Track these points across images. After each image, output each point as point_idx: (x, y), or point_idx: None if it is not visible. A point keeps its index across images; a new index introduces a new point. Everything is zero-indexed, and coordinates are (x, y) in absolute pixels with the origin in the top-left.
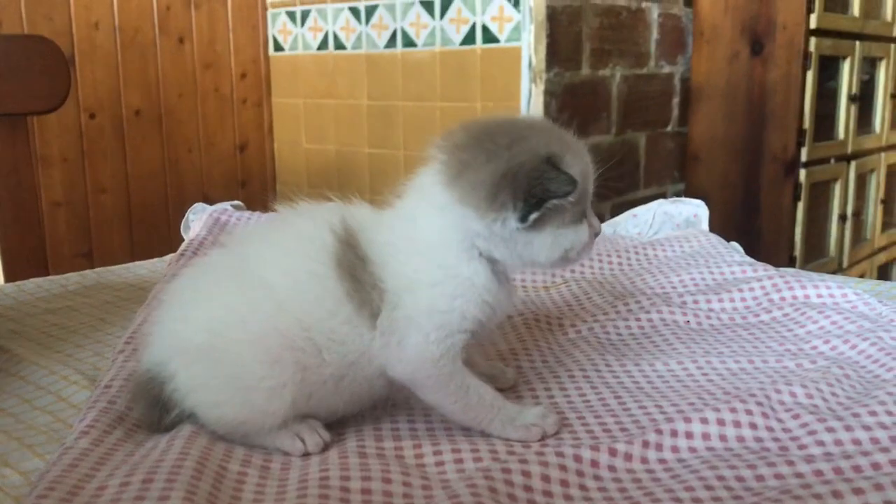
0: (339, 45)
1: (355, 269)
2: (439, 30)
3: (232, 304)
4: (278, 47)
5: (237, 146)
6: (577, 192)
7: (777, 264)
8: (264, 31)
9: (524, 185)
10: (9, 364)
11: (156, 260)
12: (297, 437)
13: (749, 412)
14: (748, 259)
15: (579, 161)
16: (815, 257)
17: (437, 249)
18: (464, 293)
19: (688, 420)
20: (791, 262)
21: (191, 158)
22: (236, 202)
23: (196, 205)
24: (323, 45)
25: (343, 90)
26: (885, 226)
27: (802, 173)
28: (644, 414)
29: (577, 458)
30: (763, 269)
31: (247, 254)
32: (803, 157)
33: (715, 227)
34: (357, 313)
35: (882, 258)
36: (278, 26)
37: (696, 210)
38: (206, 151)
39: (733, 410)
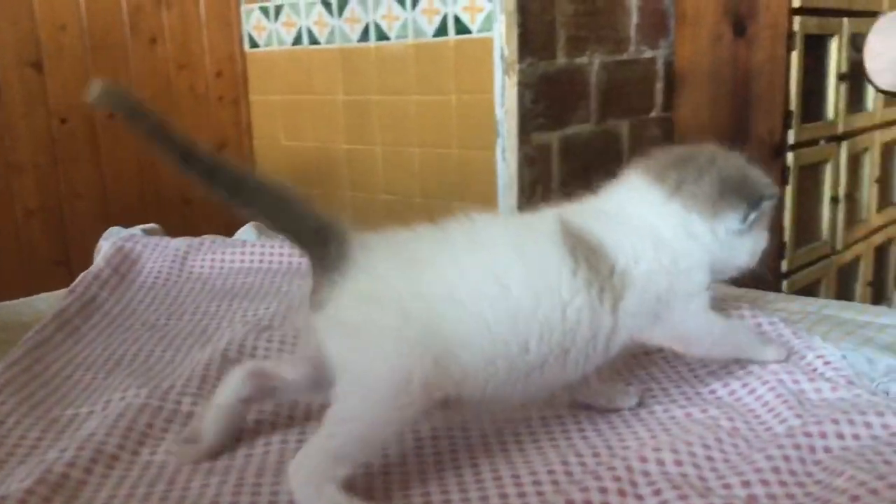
0: (314, 40)
1: (589, 258)
2: (412, 21)
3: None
4: (254, 44)
5: (215, 145)
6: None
7: (766, 250)
8: (238, 27)
9: (746, 189)
10: None
11: (61, 292)
12: None
13: (603, 490)
14: None
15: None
16: (807, 241)
17: (668, 247)
18: (693, 264)
19: None
20: (781, 247)
21: None
22: (151, 225)
23: (111, 229)
24: (297, 40)
25: (319, 86)
26: (882, 205)
27: (790, 156)
28: None
29: None
30: None
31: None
32: (790, 140)
33: None
34: (598, 298)
35: (878, 239)
36: (253, 23)
37: None
38: None
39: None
